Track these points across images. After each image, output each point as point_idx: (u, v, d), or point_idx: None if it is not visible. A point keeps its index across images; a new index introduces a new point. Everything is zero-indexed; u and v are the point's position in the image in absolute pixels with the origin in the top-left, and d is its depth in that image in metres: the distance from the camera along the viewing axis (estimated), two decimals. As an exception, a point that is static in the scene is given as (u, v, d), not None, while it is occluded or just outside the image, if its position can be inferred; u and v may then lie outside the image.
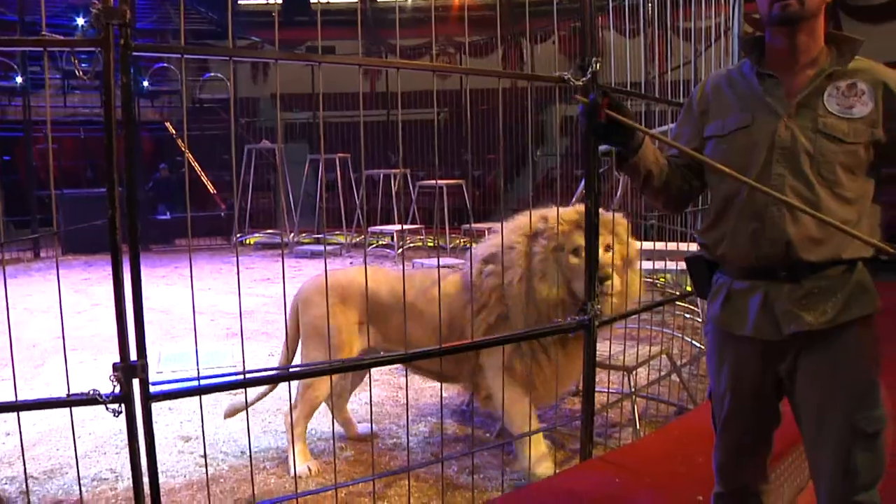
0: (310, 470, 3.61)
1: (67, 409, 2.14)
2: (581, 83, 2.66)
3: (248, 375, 2.15)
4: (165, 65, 14.63)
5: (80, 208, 12.27)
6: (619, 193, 4.31)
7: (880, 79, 1.91)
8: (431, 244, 11.59)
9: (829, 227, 1.84)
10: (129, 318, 2.07)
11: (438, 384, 4.44)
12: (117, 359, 2.00)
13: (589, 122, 1.99)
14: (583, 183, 2.91)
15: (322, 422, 4.14)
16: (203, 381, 2.11)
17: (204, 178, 14.39)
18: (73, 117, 15.24)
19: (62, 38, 1.92)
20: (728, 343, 2.08)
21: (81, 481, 3.62)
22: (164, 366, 5.53)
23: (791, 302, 1.93)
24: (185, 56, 2.01)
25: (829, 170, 1.90)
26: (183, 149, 14.05)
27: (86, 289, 9.37)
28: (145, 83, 15.18)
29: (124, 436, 4.06)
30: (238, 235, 13.24)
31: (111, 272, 2.12)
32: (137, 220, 1.95)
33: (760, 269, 1.98)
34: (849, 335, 1.91)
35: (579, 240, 3.19)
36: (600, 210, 3.13)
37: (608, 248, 3.25)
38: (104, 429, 4.23)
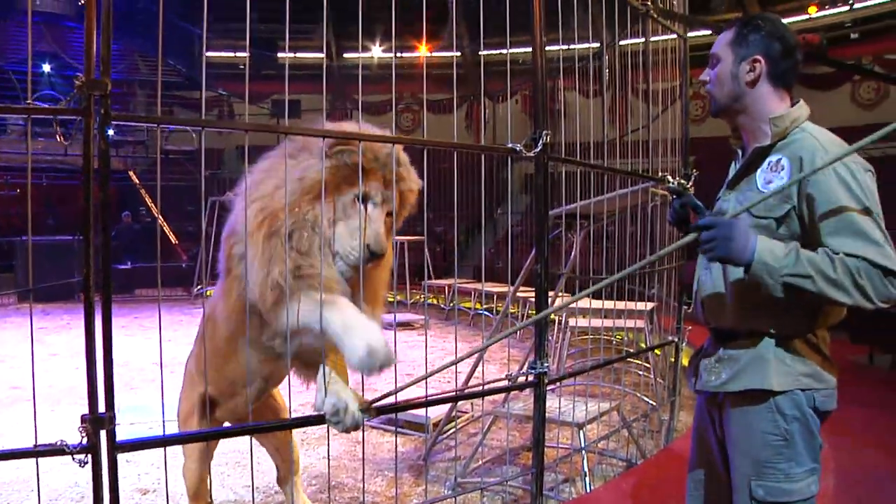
0: None
1: (18, 462, 2.20)
2: (532, 155, 2.85)
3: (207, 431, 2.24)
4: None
5: (42, 256, 12.21)
6: (573, 253, 4.49)
7: (798, 153, 1.96)
8: (391, 299, 11.68)
9: (738, 297, 2.02)
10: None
11: (395, 439, 4.53)
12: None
13: (677, 222, 2.28)
14: (535, 250, 3.07)
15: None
16: (168, 433, 2.20)
17: (167, 229, 14.42)
18: (35, 164, 15.21)
19: (46, 106, 2.05)
20: (698, 395, 2.28)
21: (36, 533, 3.63)
22: (122, 417, 5.50)
23: (706, 361, 2.13)
24: (161, 126, 2.16)
25: None
26: (147, 200, 14.07)
27: (42, 338, 9.28)
28: (110, 132, 15.22)
29: (80, 488, 4.12)
30: (199, 287, 13.21)
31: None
32: (111, 276, 2.06)
33: (707, 328, 2.18)
34: (747, 404, 2.02)
35: (374, 183, 2.38)
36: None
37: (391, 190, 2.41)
38: (59, 481, 4.21)
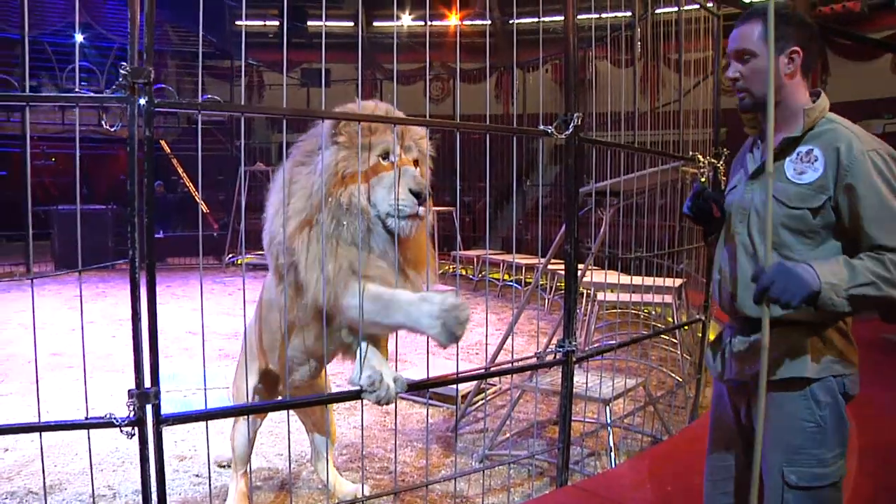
0: None
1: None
2: (563, 136, 2.88)
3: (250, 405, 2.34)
4: (164, 86, 14.84)
5: (75, 224, 12.46)
6: (602, 230, 4.51)
7: (834, 144, 1.98)
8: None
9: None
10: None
11: (425, 410, 4.62)
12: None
13: (698, 216, 2.31)
14: (560, 233, 3.11)
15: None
16: (211, 407, 2.30)
17: (197, 198, 14.62)
18: (69, 134, 15.44)
19: (92, 94, 2.13)
20: (715, 381, 2.33)
21: (80, 498, 3.79)
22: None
23: (736, 350, 2.15)
24: (203, 111, 2.23)
25: (773, 231, 2.00)
26: (179, 170, 14.22)
27: (79, 305, 9.50)
28: (142, 101, 15.39)
29: (120, 453, 4.26)
30: (230, 256, 13.42)
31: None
32: (154, 257, 2.14)
33: (733, 317, 2.20)
34: (781, 393, 2.04)
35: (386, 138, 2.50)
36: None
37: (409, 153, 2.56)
38: (100, 447, 4.37)
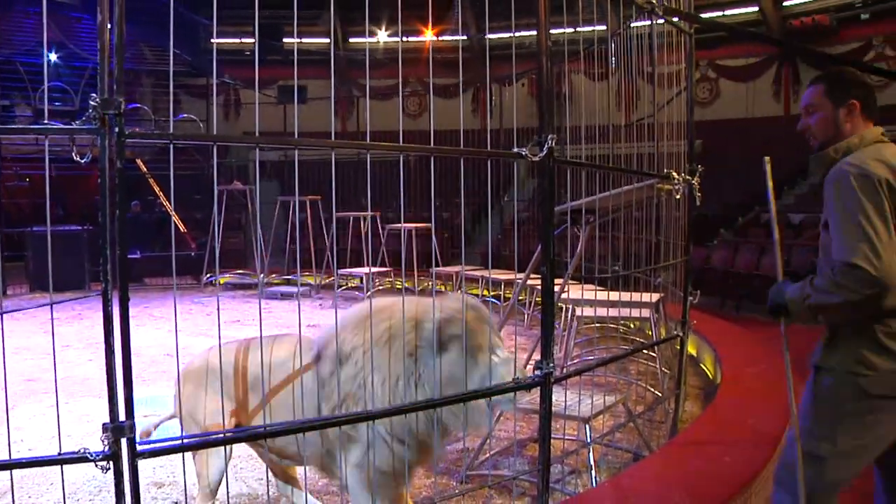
0: None
1: (37, 452, 2.29)
2: (537, 159, 2.88)
3: (228, 434, 2.31)
4: (138, 105, 14.81)
5: (51, 246, 12.31)
6: (578, 249, 4.53)
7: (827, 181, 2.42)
8: (400, 286, 11.71)
9: None
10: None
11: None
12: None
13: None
14: (539, 248, 3.12)
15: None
16: (187, 440, 2.27)
17: (175, 218, 14.52)
18: (43, 154, 15.28)
19: (62, 126, 2.11)
20: None
21: (56, 528, 3.72)
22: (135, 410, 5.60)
23: None
24: (174, 142, 2.22)
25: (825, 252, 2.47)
26: (156, 189, 14.12)
27: (55, 329, 9.38)
28: (113, 130, 15.28)
29: (97, 481, 4.20)
30: (208, 275, 13.32)
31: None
32: (128, 291, 2.12)
33: None
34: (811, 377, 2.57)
35: (482, 338, 2.87)
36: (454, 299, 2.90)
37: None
38: (75, 475, 4.30)
